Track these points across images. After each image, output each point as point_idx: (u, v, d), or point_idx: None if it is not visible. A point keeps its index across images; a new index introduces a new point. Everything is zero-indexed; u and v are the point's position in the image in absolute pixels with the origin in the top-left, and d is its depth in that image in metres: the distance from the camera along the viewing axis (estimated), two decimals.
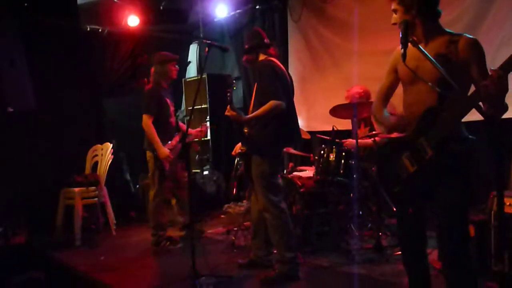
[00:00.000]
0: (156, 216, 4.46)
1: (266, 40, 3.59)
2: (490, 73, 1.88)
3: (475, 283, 2.19)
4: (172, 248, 4.47)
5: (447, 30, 2.27)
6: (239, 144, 3.86)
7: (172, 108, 4.54)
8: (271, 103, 3.30)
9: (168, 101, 4.50)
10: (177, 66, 4.52)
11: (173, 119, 4.56)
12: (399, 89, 2.48)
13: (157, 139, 4.29)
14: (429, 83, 2.07)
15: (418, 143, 2.21)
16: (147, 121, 4.31)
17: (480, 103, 1.99)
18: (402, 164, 2.28)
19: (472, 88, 2.15)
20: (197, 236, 4.61)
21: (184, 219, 4.76)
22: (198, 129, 4.67)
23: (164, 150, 4.30)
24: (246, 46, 3.59)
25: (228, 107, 3.36)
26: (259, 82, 3.46)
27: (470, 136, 2.23)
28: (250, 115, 3.39)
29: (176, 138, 4.51)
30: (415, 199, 2.34)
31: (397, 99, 2.56)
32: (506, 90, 1.92)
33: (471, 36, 2.19)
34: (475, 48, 2.15)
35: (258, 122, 3.40)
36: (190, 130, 4.51)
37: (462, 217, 2.20)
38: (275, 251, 3.56)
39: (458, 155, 2.16)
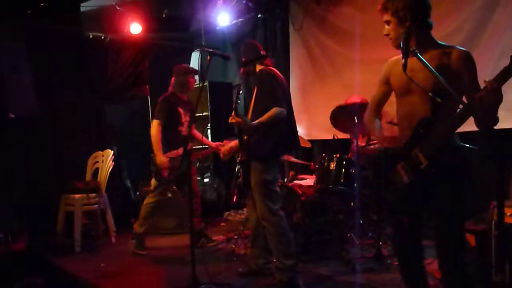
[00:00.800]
0: (143, 220, 4.60)
1: (262, 52, 3.66)
2: (484, 84, 1.90)
3: None
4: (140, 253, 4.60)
5: (440, 42, 2.30)
6: (226, 147, 3.80)
7: (185, 118, 4.64)
8: (275, 109, 3.32)
9: (182, 111, 4.62)
10: (195, 79, 4.76)
11: (183, 129, 4.63)
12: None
13: (158, 145, 4.39)
14: (429, 93, 2.08)
15: (413, 154, 2.22)
16: (155, 126, 4.46)
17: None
18: (397, 173, 2.29)
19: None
20: (207, 243, 4.76)
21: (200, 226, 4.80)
22: (219, 143, 4.69)
23: (162, 158, 4.39)
24: (243, 59, 3.65)
25: (233, 113, 3.32)
26: (261, 90, 3.49)
27: (466, 145, 2.24)
28: (256, 121, 3.36)
29: (179, 151, 4.51)
30: (410, 209, 2.34)
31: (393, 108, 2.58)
32: (500, 101, 1.94)
33: (463, 49, 2.22)
34: (467, 60, 2.18)
35: (258, 129, 3.40)
36: (211, 142, 4.80)
37: (458, 226, 2.21)
38: (274, 260, 3.55)
39: (452, 165, 2.18)
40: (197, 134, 5.00)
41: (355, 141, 4.10)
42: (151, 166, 4.56)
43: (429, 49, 2.25)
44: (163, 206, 4.78)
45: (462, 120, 2.06)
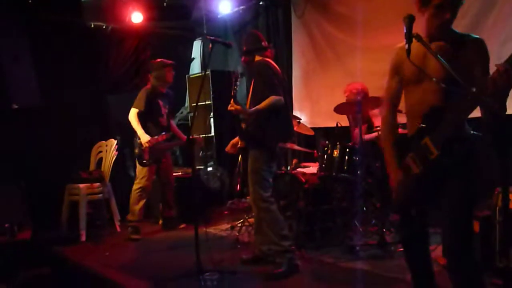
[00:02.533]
0: (133, 207, 4.83)
1: (264, 43, 3.69)
2: (496, 67, 1.87)
3: (481, 282, 2.19)
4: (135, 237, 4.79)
5: (454, 30, 2.25)
6: (232, 141, 3.95)
7: (163, 110, 4.95)
8: (272, 98, 3.41)
9: (161, 103, 4.92)
10: (173, 71, 4.93)
11: (163, 120, 4.96)
12: None
13: (139, 127, 4.74)
14: (439, 82, 2.04)
15: (423, 143, 2.17)
16: (133, 113, 4.79)
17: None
18: (407, 165, 2.26)
19: None
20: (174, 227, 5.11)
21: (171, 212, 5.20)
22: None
23: (145, 136, 4.71)
24: (244, 48, 3.71)
25: (232, 101, 3.42)
26: (257, 80, 3.57)
27: (474, 133, 2.21)
28: (253, 109, 3.46)
29: (163, 137, 4.83)
30: (419, 199, 2.31)
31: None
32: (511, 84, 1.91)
33: (476, 36, 2.18)
34: (481, 48, 2.14)
35: (256, 117, 3.47)
36: (182, 135, 5.22)
37: (467, 216, 2.19)
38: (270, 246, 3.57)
39: (463, 154, 2.14)
40: (173, 125, 5.27)
41: (356, 129, 4.09)
42: (135, 150, 4.84)
43: (445, 36, 2.20)
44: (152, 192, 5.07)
45: (471, 108, 2.03)
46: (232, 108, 3.43)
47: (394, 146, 2.39)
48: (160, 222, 5.32)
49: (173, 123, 5.30)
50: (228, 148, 4.00)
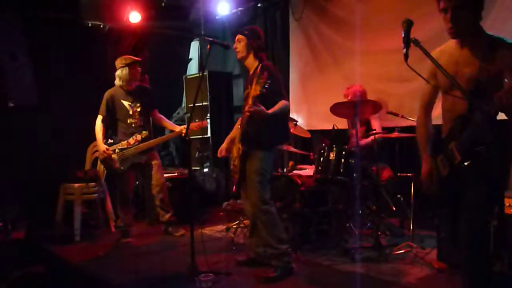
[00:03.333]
0: (120, 211, 4.75)
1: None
2: (506, 85, 1.89)
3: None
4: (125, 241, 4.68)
5: (488, 33, 2.24)
6: (223, 145, 3.86)
7: (132, 110, 4.66)
8: (284, 102, 3.42)
9: (126, 103, 4.65)
10: (139, 68, 4.72)
11: (135, 120, 4.67)
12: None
13: (98, 135, 4.57)
14: (465, 97, 2.05)
15: (449, 148, 2.25)
16: (97, 120, 4.64)
17: None
18: (436, 166, 2.35)
19: None
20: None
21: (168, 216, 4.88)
22: (183, 126, 4.75)
23: (101, 146, 4.52)
24: (254, 44, 3.55)
25: (253, 101, 3.24)
26: (270, 82, 3.31)
27: (501, 140, 2.20)
28: (271, 111, 3.33)
29: (137, 138, 4.62)
30: (448, 200, 2.38)
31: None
32: None
33: (509, 41, 2.17)
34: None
35: (259, 119, 3.37)
36: (175, 126, 4.84)
37: (482, 218, 2.21)
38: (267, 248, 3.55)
39: (485, 160, 2.15)
40: (162, 118, 4.95)
41: (354, 132, 4.09)
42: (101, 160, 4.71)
43: (475, 38, 2.20)
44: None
45: (484, 122, 2.06)
46: (252, 109, 3.23)
47: (429, 147, 2.45)
48: (162, 227, 4.98)
49: (160, 116, 4.94)
50: (224, 146, 3.86)
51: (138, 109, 4.69)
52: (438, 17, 2.32)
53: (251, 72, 3.63)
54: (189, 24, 7.06)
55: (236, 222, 4.75)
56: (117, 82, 4.68)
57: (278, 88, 3.44)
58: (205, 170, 6.46)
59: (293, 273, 3.47)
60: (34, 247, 4.57)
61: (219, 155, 3.93)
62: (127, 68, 4.62)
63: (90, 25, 5.89)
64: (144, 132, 4.68)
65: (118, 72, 4.66)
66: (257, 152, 3.48)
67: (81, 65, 5.84)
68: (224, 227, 5.01)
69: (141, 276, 3.63)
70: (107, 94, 4.68)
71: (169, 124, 4.97)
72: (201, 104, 6.74)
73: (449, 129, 2.28)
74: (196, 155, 6.54)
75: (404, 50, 2.09)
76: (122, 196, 4.76)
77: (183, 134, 4.57)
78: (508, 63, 2.10)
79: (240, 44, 3.59)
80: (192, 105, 3.59)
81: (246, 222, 4.56)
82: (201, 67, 7.07)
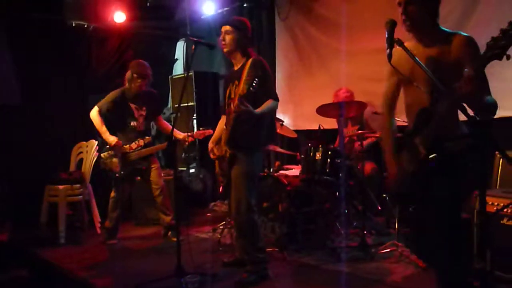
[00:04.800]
0: (110, 213, 4.64)
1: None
2: (464, 74, 1.91)
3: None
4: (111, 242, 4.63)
5: (444, 29, 2.28)
6: (211, 146, 3.71)
7: (137, 113, 4.60)
8: (274, 102, 3.35)
9: (133, 105, 4.58)
10: (142, 83, 4.55)
11: (138, 124, 4.62)
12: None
13: (102, 129, 4.47)
14: (418, 85, 2.07)
15: (414, 143, 2.23)
16: (93, 111, 4.51)
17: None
18: (401, 164, 2.33)
19: None
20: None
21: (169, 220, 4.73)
22: (186, 134, 4.63)
23: (110, 137, 4.45)
24: (248, 34, 3.43)
25: (241, 100, 3.12)
26: (261, 79, 3.22)
27: (469, 134, 2.22)
28: (259, 111, 3.24)
29: (139, 143, 4.58)
30: (414, 198, 2.37)
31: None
32: (475, 91, 1.92)
33: (465, 34, 2.20)
34: (468, 46, 2.16)
35: (246, 119, 3.27)
36: (179, 133, 4.63)
37: (451, 215, 2.22)
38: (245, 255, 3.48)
39: (452, 155, 2.16)
40: (165, 124, 4.90)
41: (345, 131, 4.12)
42: (102, 160, 4.57)
43: (430, 32, 2.24)
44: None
45: (450, 109, 2.06)
46: (242, 107, 3.10)
47: (393, 144, 2.46)
48: (164, 232, 4.85)
49: (164, 122, 4.89)
50: (211, 146, 3.71)
51: (143, 113, 4.65)
52: None
53: (236, 68, 3.45)
54: (174, 24, 7.03)
55: (223, 223, 4.74)
56: (127, 84, 4.57)
57: (269, 86, 3.34)
58: (192, 171, 6.44)
59: (268, 278, 3.41)
60: (17, 250, 4.50)
61: (213, 157, 3.73)
62: (135, 79, 4.52)
63: (74, 25, 5.83)
64: (147, 137, 4.65)
65: (129, 76, 4.54)
66: (245, 154, 3.36)
67: (66, 65, 5.79)
68: (211, 228, 4.99)
69: (127, 278, 3.60)
70: (119, 92, 4.58)
71: (174, 130, 4.86)
72: (187, 104, 6.71)
73: (413, 124, 2.27)
74: (182, 155, 6.51)
75: (388, 50, 2.11)
76: (114, 203, 4.63)
77: (186, 143, 4.51)
78: (465, 53, 2.14)
79: (228, 37, 3.36)
80: (177, 105, 3.56)
81: (233, 222, 4.55)
82: (187, 67, 7.03)
